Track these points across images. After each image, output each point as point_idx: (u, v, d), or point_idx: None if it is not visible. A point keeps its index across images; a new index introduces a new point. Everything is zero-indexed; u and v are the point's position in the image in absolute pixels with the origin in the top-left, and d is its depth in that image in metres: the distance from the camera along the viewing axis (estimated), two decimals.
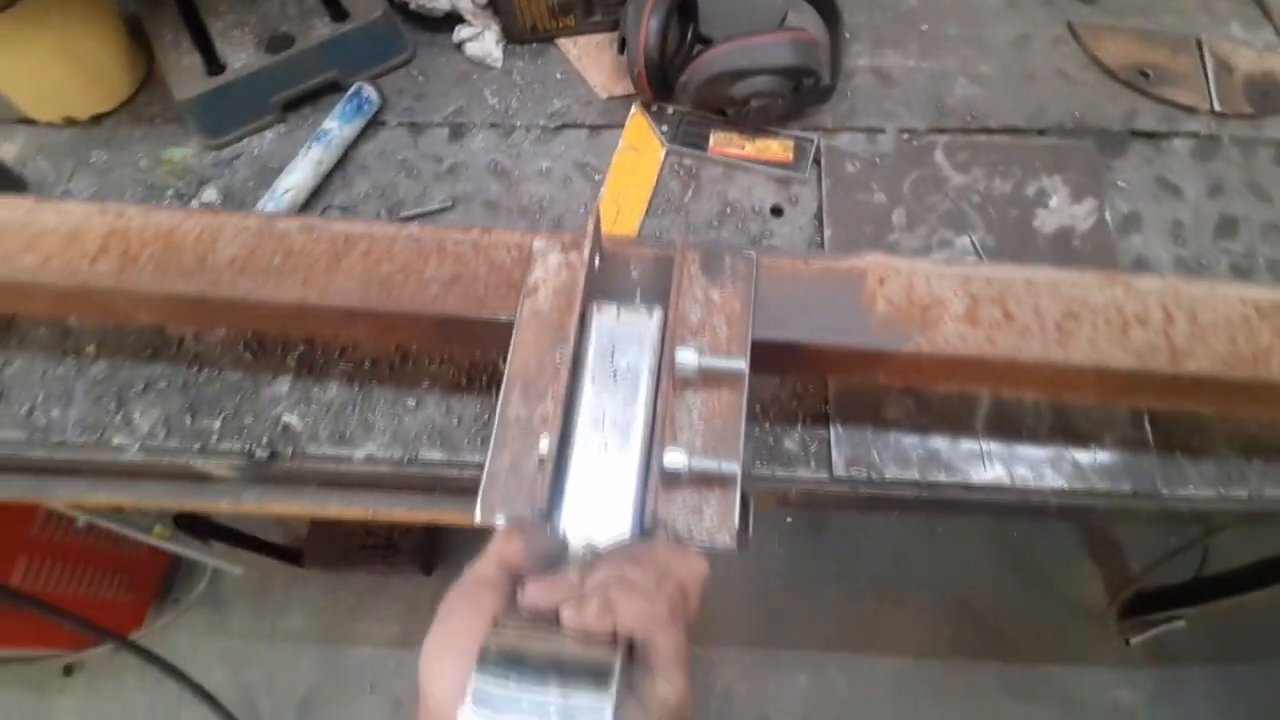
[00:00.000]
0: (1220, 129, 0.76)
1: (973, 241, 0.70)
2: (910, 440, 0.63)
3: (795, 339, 0.52)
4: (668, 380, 0.47)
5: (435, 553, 1.60)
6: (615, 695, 0.33)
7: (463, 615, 0.37)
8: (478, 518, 0.47)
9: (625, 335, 0.49)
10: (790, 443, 0.64)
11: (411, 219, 0.75)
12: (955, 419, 0.63)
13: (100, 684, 1.56)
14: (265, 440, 0.66)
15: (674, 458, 0.46)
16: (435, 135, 0.80)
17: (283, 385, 0.69)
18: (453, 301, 0.54)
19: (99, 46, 0.79)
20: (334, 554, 1.56)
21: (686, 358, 0.48)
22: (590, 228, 0.52)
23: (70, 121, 0.82)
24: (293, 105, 0.81)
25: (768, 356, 0.53)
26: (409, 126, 0.81)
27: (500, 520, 0.47)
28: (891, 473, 0.62)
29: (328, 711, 1.53)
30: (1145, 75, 0.78)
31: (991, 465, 0.62)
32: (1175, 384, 0.51)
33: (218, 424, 0.68)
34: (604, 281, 0.55)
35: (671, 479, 0.47)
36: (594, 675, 0.33)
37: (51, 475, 0.71)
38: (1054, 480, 0.61)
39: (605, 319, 0.50)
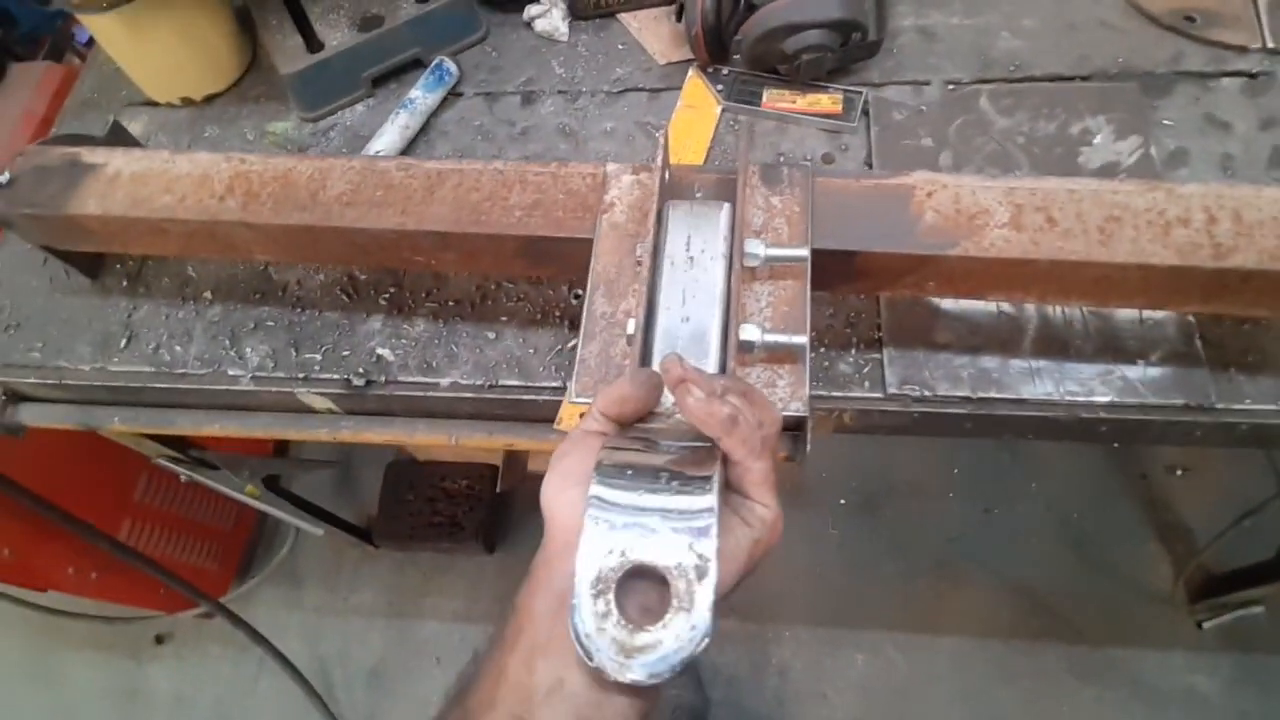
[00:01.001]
0: (1274, 65, 0.77)
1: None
2: (961, 360, 0.66)
3: (848, 247, 0.56)
4: (739, 262, 0.51)
5: (498, 532, 1.66)
6: (718, 495, 0.37)
7: (576, 455, 0.42)
8: (572, 395, 0.53)
9: (699, 226, 0.54)
10: (845, 365, 0.68)
11: None
12: (1004, 339, 0.66)
13: (187, 653, 1.66)
14: (361, 370, 0.73)
15: (749, 330, 0.51)
16: (508, 103, 0.87)
17: (376, 323, 0.76)
18: (535, 224, 0.60)
19: (213, 33, 0.89)
20: (402, 532, 1.63)
21: (754, 246, 0.53)
22: (662, 143, 0.58)
23: (187, 102, 0.92)
24: (381, 80, 0.89)
25: (823, 267, 0.57)
26: (484, 96, 0.88)
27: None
28: (943, 389, 0.66)
29: (396, 682, 1.59)
30: (1191, 20, 0.80)
31: (1041, 381, 0.65)
32: (1222, 281, 0.54)
33: (319, 357, 0.75)
34: (675, 193, 0.60)
35: (746, 350, 0.51)
36: (698, 480, 0.38)
37: (173, 408, 0.79)
38: (1103, 395, 0.64)
39: (680, 213, 0.55)
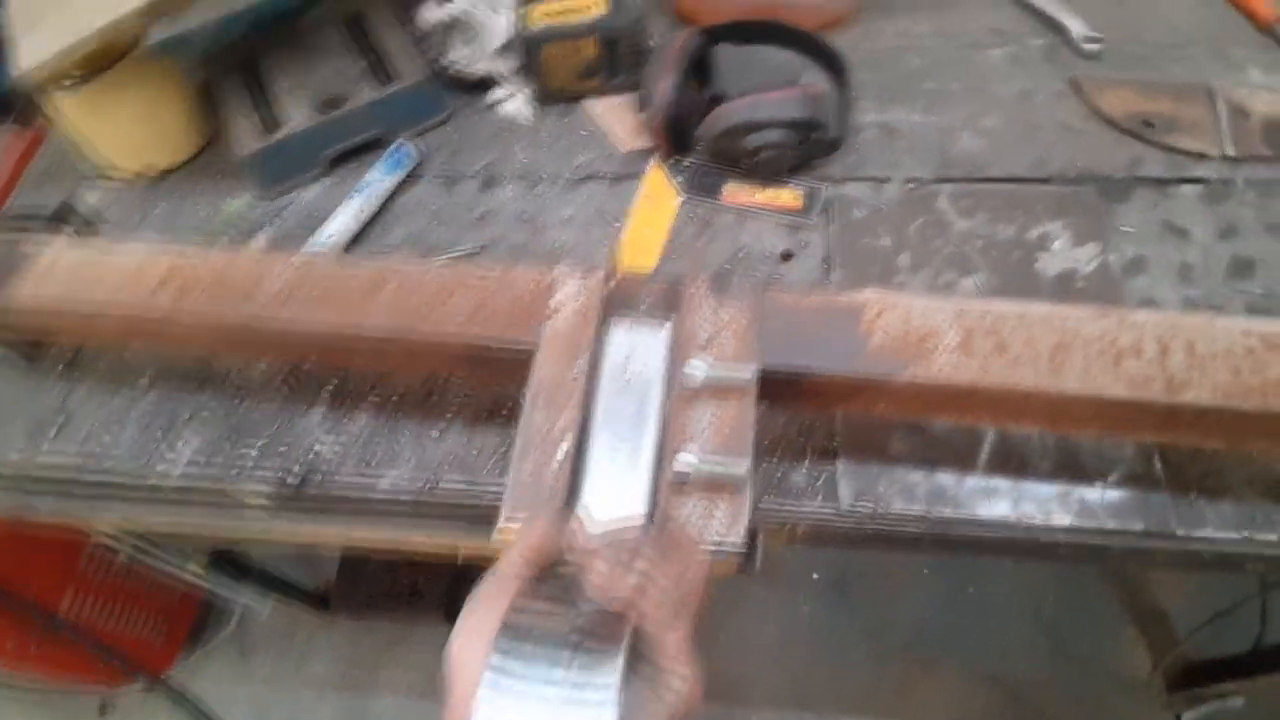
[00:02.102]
0: (1233, 173, 0.77)
1: (976, 284, 0.72)
2: (916, 475, 0.64)
3: (795, 367, 0.55)
4: (677, 386, 0.49)
5: (459, 601, 1.60)
6: (623, 671, 0.35)
7: (485, 610, 0.40)
8: (501, 520, 0.50)
9: (639, 345, 0.53)
10: (798, 476, 0.66)
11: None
12: (960, 454, 0.64)
13: None
14: (297, 467, 0.70)
15: (684, 460, 0.48)
16: (467, 187, 0.86)
17: (317, 415, 0.73)
18: (475, 329, 0.58)
19: (171, 110, 0.88)
20: (360, 600, 1.58)
21: (696, 367, 0.52)
22: (609, 254, 0.56)
23: (142, 176, 0.90)
24: (341, 159, 0.88)
25: (770, 387, 0.55)
26: (444, 179, 0.87)
27: (522, 523, 0.49)
28: (898, 507, 0.63)
29: None
30: (1150, 125, 0.80)
31: (998, 501, 0.63)
32: (1175, 415, 0.52)
33: (255, 451, 0.72)
34: (619, 305, 0.58)
35: (682, 481, 0.49)
36: (603, 653, 0.35)
37: (104, 498, 0.75)
38: (1061, 517, 0.62)
39: (619, 332, 0.54)
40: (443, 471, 0.69)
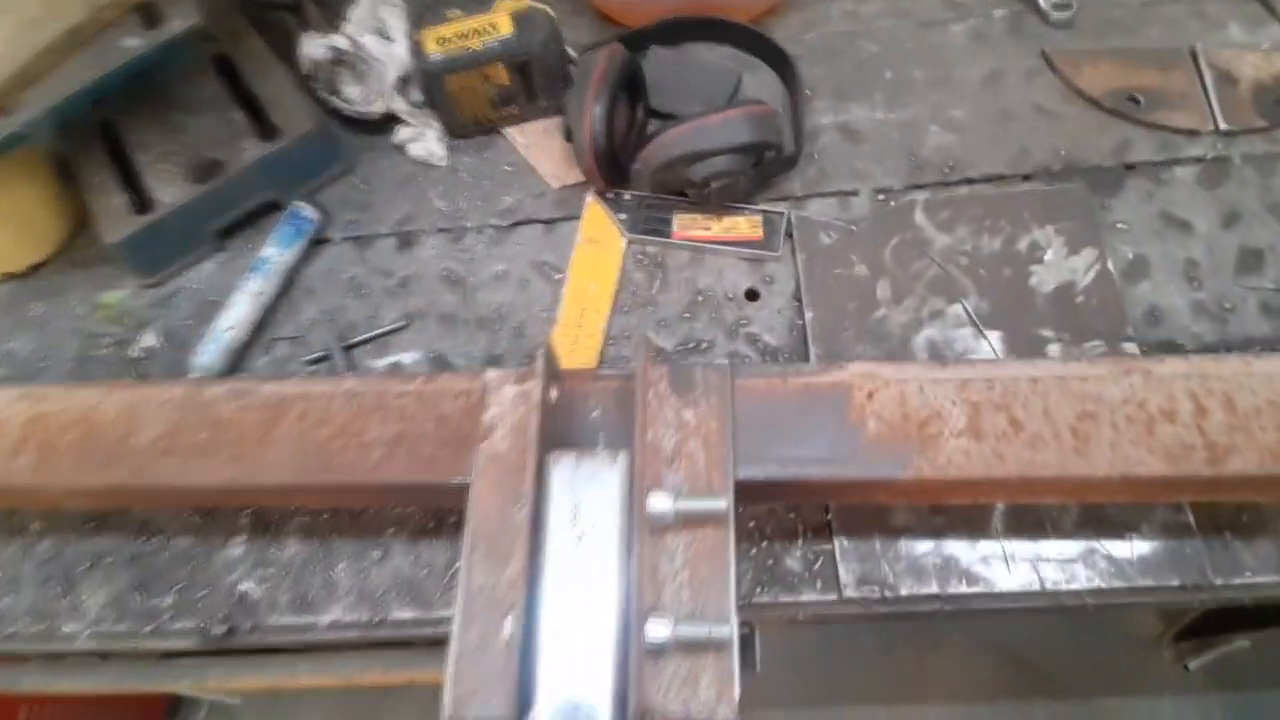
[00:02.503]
0: (1229, 148, 0.70)
1: (966, 309, 0.64)
2: (923, 547, 0.57)
3: (777, 476, 0.46)
4: (640, 540, 0.41)
5: None
6: None
7: None
8: (447, 712, 0.42)
9: (588, 489, 0.44)
10: (792, 561, 0.58)
11: (363, 344, 0.70)
12: (971, 518, 0.57)
13: None
14: (221, 614, 0.61)
15: (656, 629, 0.40)
16: (383, 247, 0.76)
17: (237, 548, 0.63)
18: (398, 466, 0.49)
19: (32, 200, 0.75)
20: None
21: (660, 505, 0.43)
22: (540, 365, 0.47)
23: (9, 277, 0.78)
24: (231, 231, 0.77)
25: (751, 493, 0.47)
26: (354, 241, 0.76)
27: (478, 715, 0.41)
28: (907, 588, 0.56)
29: None
30: (1135, 101, 0.72)
31: (1016, 568, 0.56)
32: (1218, 484, 0.45)
33: (169, 600, 0.62)
34: (564, 421, 0.49)
35: (657, 652, 0.41)
36: None
37: (9, 670, 0.66)
38: (1087, 579, 0.55)
39: (563, 471, 0.45)
40: (389, 601, 0.60)
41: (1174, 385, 0.46)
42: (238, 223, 0.77)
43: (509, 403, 0.50)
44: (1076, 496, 0.48)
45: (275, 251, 0.72)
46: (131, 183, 0.74)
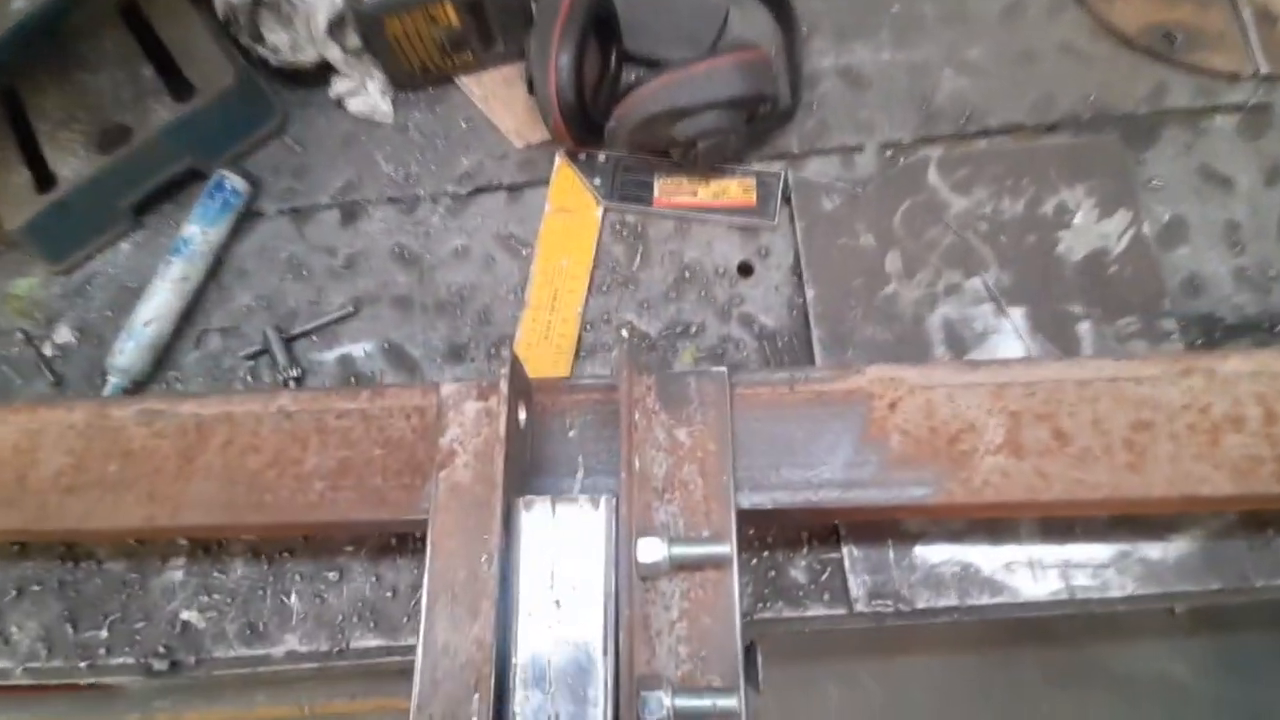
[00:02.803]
0: (1270, 95, 0.62)
1: (985, 284, 0.58)
2: (940, 554, 0.51)
3: (786, 504, 0.40)
4: (630, 600, 0.35)
5: None
6: None
7: None
8: None
9: (566, 547, 0.37)
10: (796, 571, 0.53)
11: (306, 335, 0.62)
12: (994, 524, 0.51)
13: None
14: (162, 647, 0.55)
15: (655, 707, 0.34)
16: (324, 221, 0.66)
17: (176, 572, 0.56)
18: (343, 502, 0.42)
19: None
20: None
21: (652, 554, 0.36)
22: (505, 385, 0.39)
23: None
24: (147, 206, 0.67)
25: (754, 520, 0.41)
26: (291, 213, 0.67)
27: None
28: (923, 600, 0.51)
29: None
30: (1170, 39, 0.63)
31: (1043, 576, 0.51)
32: None
33: (104, 633, 0.56)
34: (536, 447, 0.42)
35: None
36: None
37: None
38: (1120, 586, 0.50)
39: (537, 523, 0.38)
40: (350, 628, 0.54)
41: (1239, 387, 0.40)
42: (154, 196, 0.67)
43: (471, 423, 0.42)
44: (1128, 512, 0.43)
45: (199, 229, 0.63)
46: (34, 157, 0.64)
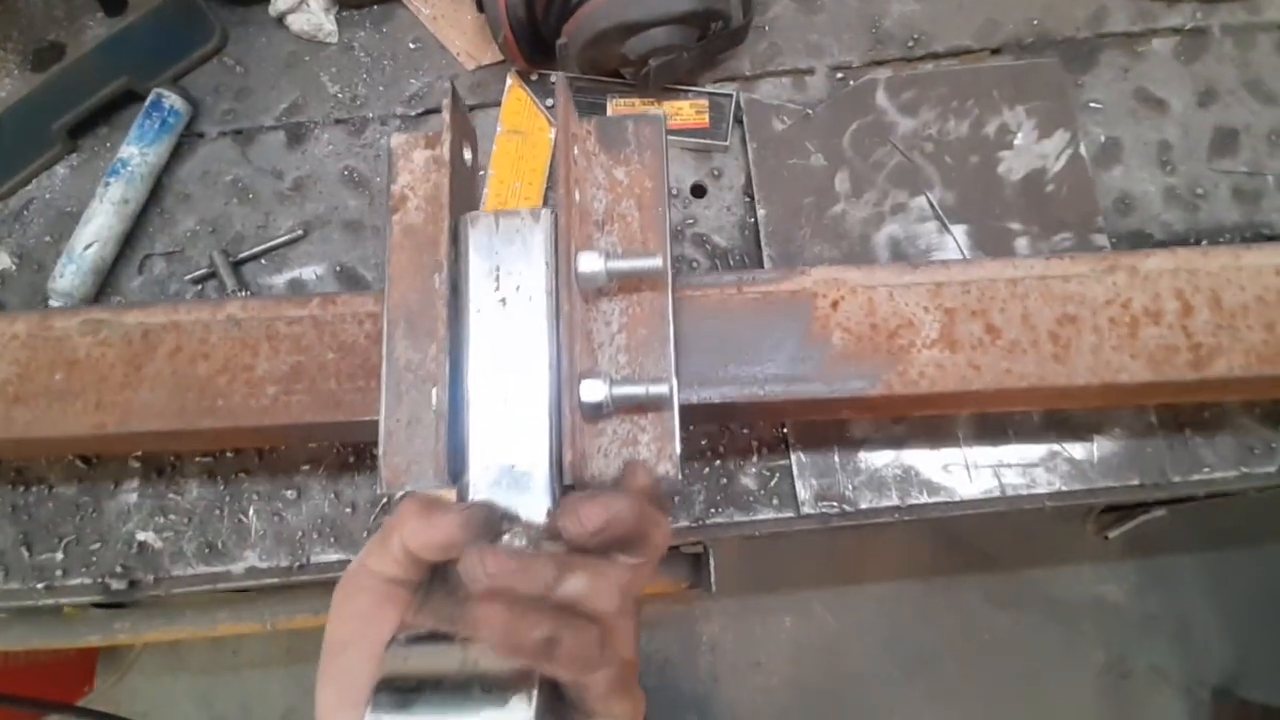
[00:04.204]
0: (1209, 18, 0.64)
1: (930, 202, 0.59)
2: (883, 458, 0.54)
3: (731, 397, 0.41)
4: (569, 298, 0.38)
5: None
6: (538, 706, 0.28)
7: (357, 650, 0.32)
8: (381, 488, 0.39)
9: (508, 251, 0.40)
10: (747, 479, 0.55)
11: (255, 258, 0.61)
12: (933, 428, 0.54)
13: None
14: (119, 567, 0.55)
15: (591, 389, 0.38)
16: (269, 142, 0.65)
17: (130, 494, 0.56)
18: (296, 405, 0.42)
19: None
20: None
21: (590, 265, 0.39)
22: (447, 116, 0.41)
23: None
24: (82, 128, 0.64)
25: (703, 414, 0.42)
26: (234, 135, 0.65)
27: (407, 492, 0.39)
28: (867, 501, 0.54)
29: None
30: None
31: (978, 475, 0.53)
32: (1200, 387, 0.42)
33: (60, 555, 0.55)
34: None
35: (594, 413, 0.39)
36: (510, 699, 0.28)
37: None
38: (1048, 484, 0.53)
39: (481, 233, 0.40)
40: (310, 544, 0.55)
41: (1159, 283, 0.42)
42: (90, 120, 0.64)
43: (420, 170, 0.44)
44: (1052, 404, 0.45)
45: (137, 150, 0.61)
46: None
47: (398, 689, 0.28)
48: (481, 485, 0.36)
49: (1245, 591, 1.44)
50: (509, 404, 0.37)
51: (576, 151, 0.42)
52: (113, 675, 1.44)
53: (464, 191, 0.43)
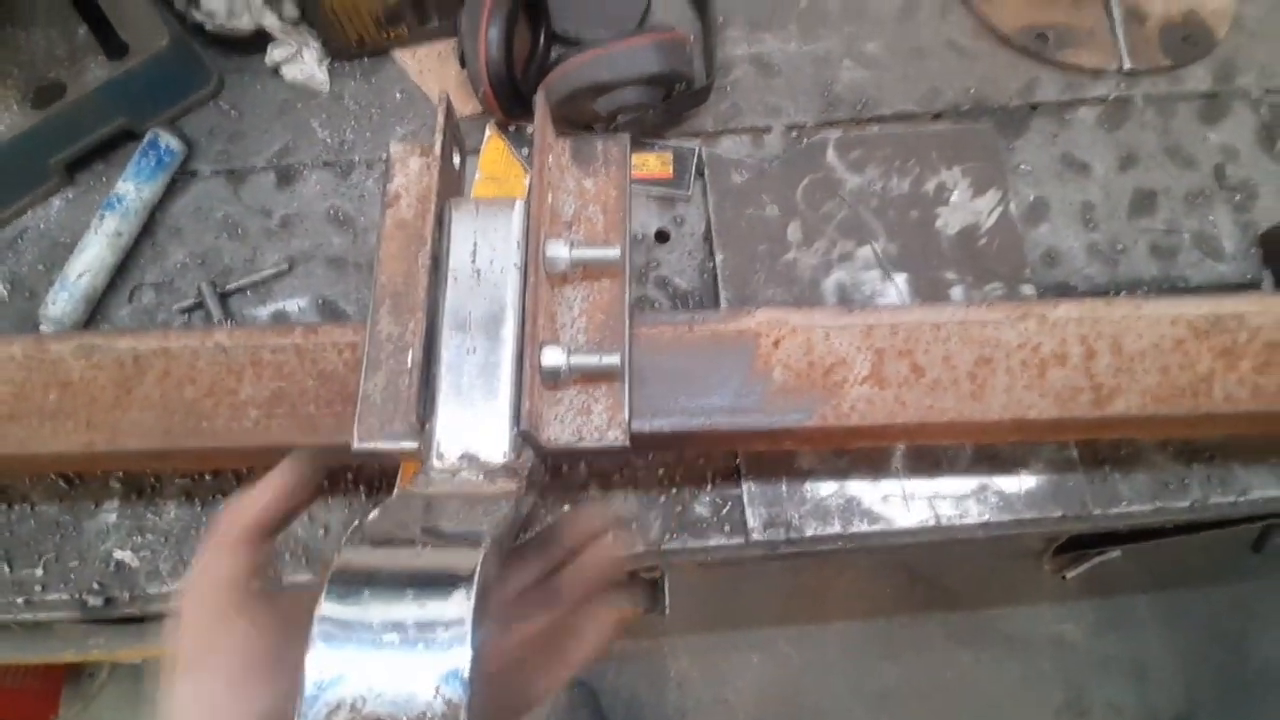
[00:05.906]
0: (1132, 88, 0.71)
1: (875, 251, 0.64)
2: (828, 489, 0.58)
3: (683, 428, 0.45)
4: (535, 273, 0.42)
5: None
6: (476, 601, 0.29)
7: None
8: (355, 442, 0.43)
9: (487, 230, 0.45)
10: (701, 507, 0.58)
11: (241, 290, 0.65)
12: (873, 460, 0.58)
13: None
14: (97, 584, 0.57)
15: (551, 355, 0.43)
16: (259, 182, 0.69)
17: (109, 514, 0.58)
18: (278, 428, 0.45)
19: None
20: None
21: (557, 249, 0.45)
22: (440, 119, 0.46)
23: None
24: (80, 164, 0.68)
25: (656, 443, 0.46)
26: (226, 174, 0.69)
27: (382, 445, 0.44)
28: (811, 529, 0.57)
29: None
30: (1044, 38, 0.71)
31: (914, 505, 0.57)
32: (1103, 425, 0.47)
33: (39, 571, 0.57)
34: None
35: (552, 378, 0.44)
36: (453, 583, 0.30)
37: None
38: (979, 514, 0.57)
39: (464, 214, 0.46)
40: (283, 565, 0.57)
41: (1066, 329, 0.47)
42: (88, 156, 0.68)
43: (414, 174, 0.50)
44: (973, 438, 0.50)
45: (133, 185, 0.65)
46: None
47: (350, 581, 0.31)
48: (447, 431, 0.41)
49: (1197, 631, 1.48)
50: (476, 360, 0.42)
51: (550, 160, 0.48)
52: (77, 704, 1.42)
53: (450, 187, 0.48)
